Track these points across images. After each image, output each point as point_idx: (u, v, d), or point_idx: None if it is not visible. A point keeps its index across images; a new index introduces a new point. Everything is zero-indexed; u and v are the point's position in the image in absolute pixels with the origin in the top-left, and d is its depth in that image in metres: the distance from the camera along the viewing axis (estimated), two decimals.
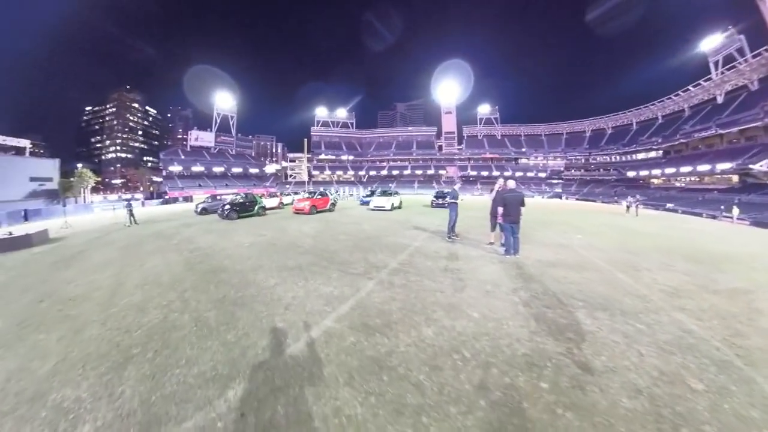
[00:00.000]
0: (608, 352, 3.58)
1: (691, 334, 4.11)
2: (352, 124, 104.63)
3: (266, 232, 12.83)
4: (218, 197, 28.25)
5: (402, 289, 5.75)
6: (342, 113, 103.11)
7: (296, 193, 41.72)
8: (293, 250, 9.04)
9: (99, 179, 74.91)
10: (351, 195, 53.18)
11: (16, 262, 9.21)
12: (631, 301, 5.19)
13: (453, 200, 10.74)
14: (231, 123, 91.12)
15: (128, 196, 61.81)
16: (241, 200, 19.88)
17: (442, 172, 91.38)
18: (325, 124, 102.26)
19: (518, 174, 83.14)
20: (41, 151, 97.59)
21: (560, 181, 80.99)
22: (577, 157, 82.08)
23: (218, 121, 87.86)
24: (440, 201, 24.73)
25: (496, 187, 9.69)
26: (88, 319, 4.74)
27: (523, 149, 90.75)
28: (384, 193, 26.73)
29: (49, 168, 54.51)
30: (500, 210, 8.37)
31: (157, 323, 4.51)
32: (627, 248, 10.14)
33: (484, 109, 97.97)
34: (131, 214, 18.80)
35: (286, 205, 28.11)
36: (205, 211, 23.12)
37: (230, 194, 34.21)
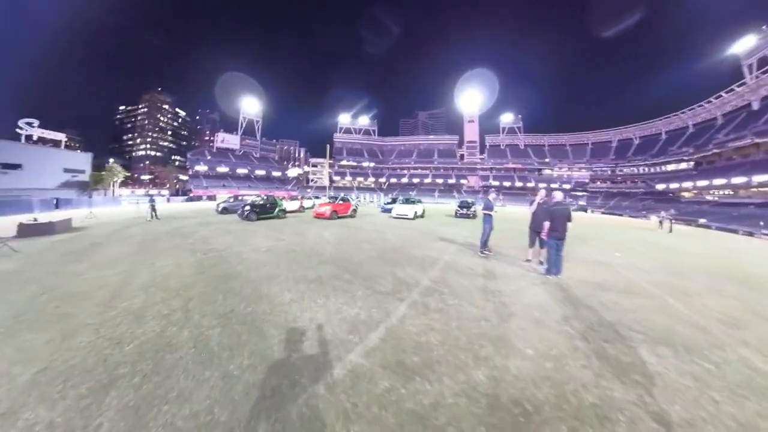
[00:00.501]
0: (681, 400, 3.08)
1: (760, 373, 3.63)
2: (374, 131, 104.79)
3: (285, 236, 12.19)
4: (240, 198, 28.06)
5: (440, 315, 4.87)
6: (364, 120, 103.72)
7: (317, 197, 41.58)
8: (313, 259, 8.27)
9: (128, 174, 78.43)
10: (371, 201, 52.66)
11: (33, 250, 9.19)
12: (691, 334, 4.57)
13: (487, 211, 9.76)
14: (256, 127, 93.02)
15: (154, 191, 64.20)
16: (262, 202, 19.40)
17: (463, 181, 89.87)
18: (348, 131, 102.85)
19: (542, 185, 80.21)
20: (77, 145, 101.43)
21: (585, 193, 77.53)
22: (603, 169, 79.24)
23: (244, 124, 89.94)
24: (464, 211, 23.76)
25: (538, 198, 8.79)
26: (83, 321, 4.29)
27: (547, 159, 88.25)
28: (407, 201, 25.64)
29: (82, 161, 57.47)
30: (546, 225, 7.50)
31: (153, 337, 3.89)
32: (669, 269, 9.17)
33: (507, 118, 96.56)
34: (153, 210, 19.11)
35: (307, 209, 27.67)
36: (225, 211, 23.02)
37: (253, 195, 34.15)
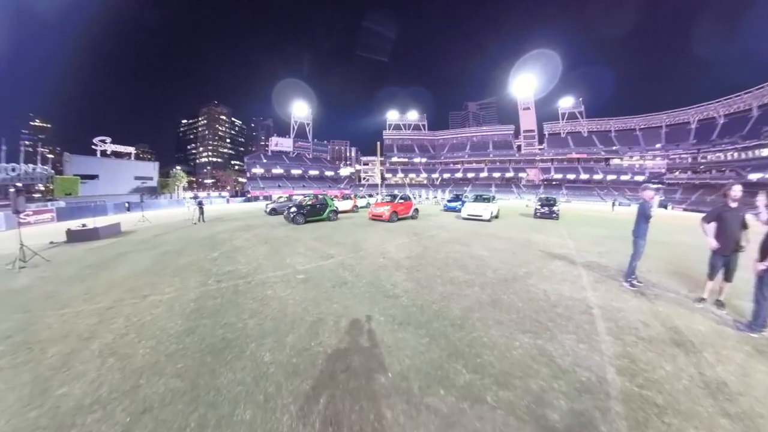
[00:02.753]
0: None
1: None
2: (424, 125, 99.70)
3: (334, 249, 9.03)
4: (293, 197, 26.29)
5: None
6: (413, 115, 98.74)
7: (370, 195, 38.59)
8: (380, 305, 4.85)
9: (192, 179, 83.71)
10: (427, 198, 48.41)
11: (62, 259, 8.59)
12: None
13: (643, 217, 5.98)
14: (307, 129, 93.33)
15: (203, 194, 66.81)
16: (310, 203, 16.70)
17: (522, 175, 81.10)
18: (397, 127, 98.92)
19: (610, 177, 70.97)
20: (148, 156, 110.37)
21: (661, 185, 64.26)
22: (682, 156, 65.47)
23: (295, 128, 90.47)
24: (546, 210, 19.40)
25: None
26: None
27: (615, 147, 75.86)
28: (479, 199, 20.73)
29: (150, 169, 63.47)
30: (712, 240, 4.91)
31: None
32: None
33: (567, 103, 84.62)
34: (201, 212, 18.63)
35: (361, 208, 24.88)
36: (274, 212, 21.50)
37: (308, 195, 32.30)
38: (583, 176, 74.06)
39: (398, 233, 12.13)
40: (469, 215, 17.12)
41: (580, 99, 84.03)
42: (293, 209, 15.66)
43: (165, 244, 10.75)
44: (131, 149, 62.22)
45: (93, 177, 52.19)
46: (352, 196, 28.26)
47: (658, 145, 71.03)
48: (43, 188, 54.29)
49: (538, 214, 19.81)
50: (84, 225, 12.57)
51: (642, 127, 77.56)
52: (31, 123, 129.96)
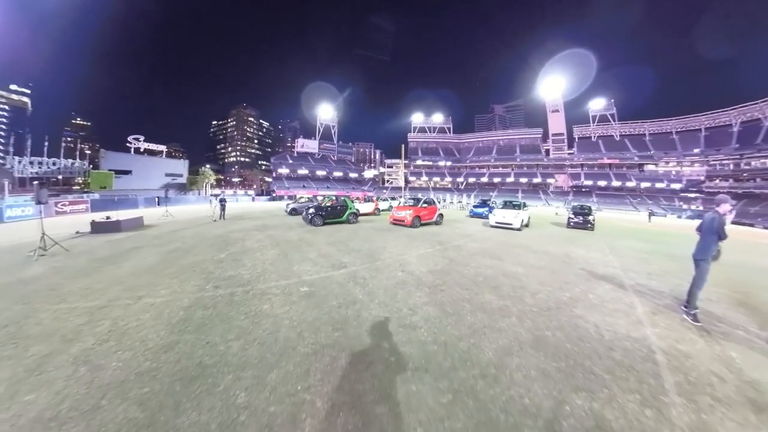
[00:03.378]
0: None
1: None
2: (449, 128, 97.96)
3: (349, 257, 8.23)
4: (316, 198, 26.09)
5: None
6: (438, 118, 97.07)
7: (393, 198, 37.84)
8: (393, 334, 4.01)
9: (219, 177, 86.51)
10: (451, 203, 46.58)
11: (80, 250, 8.88)
12: None
13: (715, 235, 4.86)
14: (333, 132, 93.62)
15: (230, 192, 68.90)
16: (329, 204, 16.13)
17: (550, 180, 77.73)
18: (422, 130, 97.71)
19: (644, 185, 67.04)
20: (180, 155, 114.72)
21: (700, 195, 59.80)
22: (723, 162, 60.24)
23: (321, 130, 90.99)
24: (580, 220, 17.94)
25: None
26: None
27: (650, 152, 70.94)
28: (508, 205, 18.90)
29: (180, 166, 67.49)
30: None
31: None
32: None
33: (598, 105, 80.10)
34: (222, 210, 18.64)
35: (383, 211, 24.02)
36: (294, 212, 21.20)
37: (332, 195, 32.13)
38: (615, 183, 70.11)
39: (421, 241, 11.16)
40: (497, 223, 15.92)
41: (612, 101, 79.09)
42: (311, 210, 15.11)
43: (178, 240, 10.62)
44: (163, 147, 66.06)
45: (126, 172, 55.88)
46: (374, 198, 27.53)
47: (696, 150, 65.85)
48: (81, 181, 57.44)
49: (572, 223, 18.36)
50: (108, 217, 12.94)
51: (679, 130, 72.21)
52: (72, 121, 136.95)
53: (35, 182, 9.66)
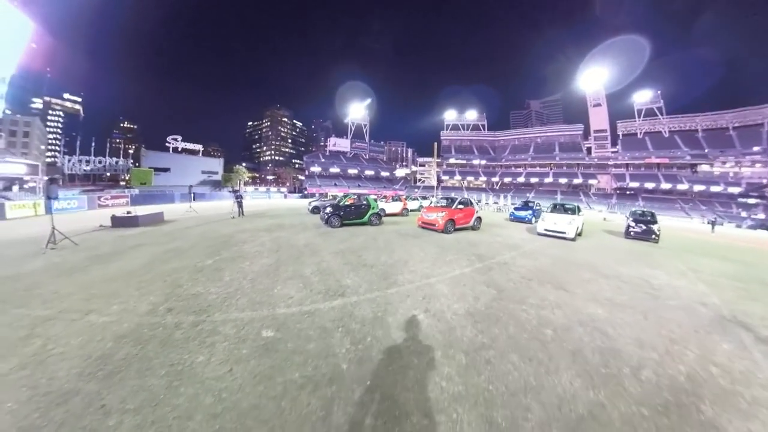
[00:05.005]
0: None
1: None
2: (483, 125, 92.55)
3: (354, 277, 6.06)
4: (332, 197, 24.61)
5: None
6: (472, 115, 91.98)
7: (424, 198, 35.32)
8: None
9: (254, 175, 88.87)
10: (487, 203, 42.58)
11: (87, 245, 8.67)
12: None
13: None
14: (364, 130, 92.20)
15: (263, 189, 70.25)
16: (348, 202, 14.06)
17: (592, 181, 70.74)
18: (455, 127, 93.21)
19: (697, 188, 58.95)
20: (218, 154, 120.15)
21: (761, 200, 51.81)
22: None
23: (353, 129, 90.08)
24: (642, 229, 14.69)
25: None
26: None
27: (703, 150, 62.10)
28: (559, 209, 15.65)
29: (215, 164, 69.40)
30: None
31: None
32: None
33: (643, 97, 71.43)
34: (240, 206, 17.84)
35: (411, 211, 21.37)
36: (316, 210, 19.51)
37: (366, 194, 30.42)
38: (664, 185, 62.43)
39: (455, 253, 8.65)
40: (546, 231, 13.03)
41: (659, 92, 70.12)
42: (328, 209, 13.16)
43: (182, 239, 9.93)
44: (199, 147, 68.89)
45: (165, 170, 58.06)
46: (402, 197, 25.08)
47: (757, 148, 56.62)
48: (126, 178, 60.09)
49: (632, 233, 15.00)
50: (129, 212, 12.88)
51: (737, 125, 62.62)
52: (121, 125, 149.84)
53: (46, 178, 10.28)
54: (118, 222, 12.19)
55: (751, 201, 53.38)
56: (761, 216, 48.01)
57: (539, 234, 13.27)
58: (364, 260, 7.40)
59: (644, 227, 14.75)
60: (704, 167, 63.09)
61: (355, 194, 15.62)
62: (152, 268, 6.45)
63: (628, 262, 8.97)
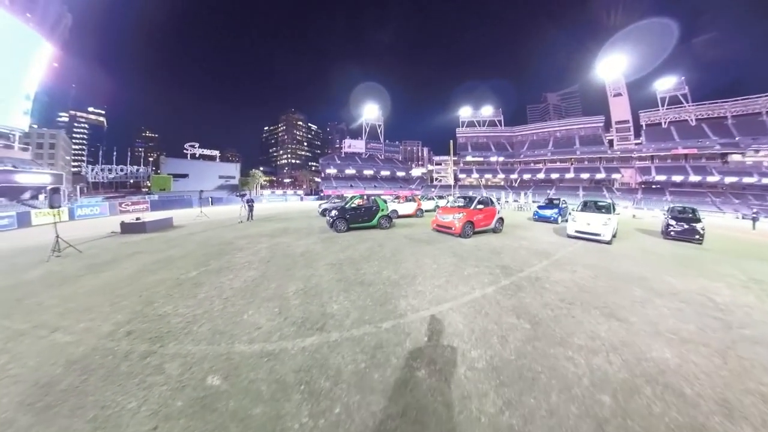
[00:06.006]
0: None
1: None
2: (499, 121, 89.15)
3: (344, 301, 4.88)
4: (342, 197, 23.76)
5: None
6: (488, 110, 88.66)
7: (440, 197, 33.65)
8: None
9: (272, 178, 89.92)
10: (507, 201, 39.62)
11: (90, 253, 8.60)
12: None
13: None
14: (379, 131, 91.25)
15: (280, 192, 70.47)
16: (356, 205, 12.83)
17: (615, 176, 66.15)
18: (471, 124, 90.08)
19: (729, 180, 53.99)
20: (236, 159, 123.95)
21: None
22: None
23: (367, 130, 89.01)
24: (683, 228, 12.86)
25: None
26: None
27: (734, 138, 56.51)
28: (591, 206, 13.33)
29: (232, 169, 71.02)
30: None
31: None
32: None
33: (666, 84, 65.84)
34: (250, 210, 17.25)
35: (427, 212, 20.16)
36: (326, 212, 18.17)
37: (381, 195, 29.28)
38: (693, 178, 57.34)
39: (474, 265, 7.17)
40: (578, 232, 11.39)
41: (683, 78, 64.67)
42: (333, 212, 12.02)
43: (181, 246, 9.51)
44: (216, 152, 70.67)
45: (184, 176, 60.04)
46: (416, 197, 23.57)
47: None
48: (149, 184, 61.37)
49: (672, 233, 13.12)
50: (138, 218, 12.87)
51: None
52: (143, 134, 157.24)
53: (48, 187, 10.30)
54: (126, 228, 12.09)
55: None
56: None
57: (569, 236, 11.65)
58: (363, 275, 6.16)
59: (686, 226, 12.88)
60: (736, 157, 57.47)
61: (365, 195, 14.35)
62: (136, 279, 6.04)
63: (679, 272, 7.40)
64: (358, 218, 12.35)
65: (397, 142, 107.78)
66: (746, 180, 53.48)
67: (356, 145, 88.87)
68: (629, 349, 3.60)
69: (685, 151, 61.82)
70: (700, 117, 65.02)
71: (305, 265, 6.76)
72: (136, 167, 59.75)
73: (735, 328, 4.34)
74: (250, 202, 17.33)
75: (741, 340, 3.97)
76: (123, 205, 24.00)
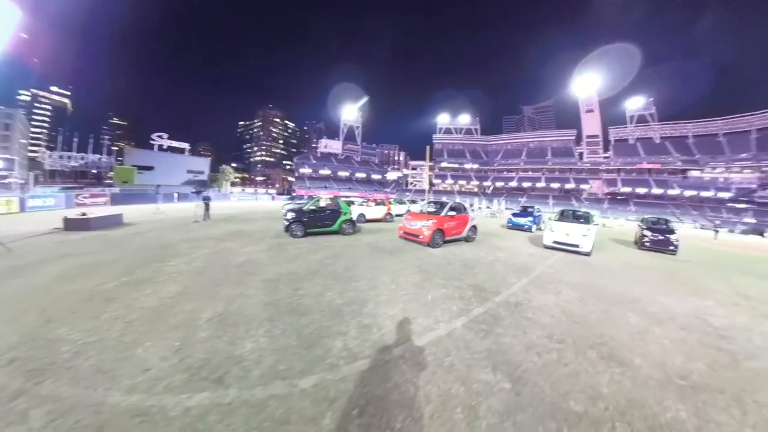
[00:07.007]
0: None
1: None
2: (476, 129, 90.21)
3: (275, 332, 3.66)
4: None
5: None
6: (465, 119, 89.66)
7: (413, 201, 32.40)
8: None
9: (242, 176, 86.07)
10: (480, 208, 38.39)
11: (18, 252, 7.32)
12: None
13: None
14: (356, 133, 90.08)
15: (251, 191, 67.30)
16: (314, 207, 11.31)
17: (584, 186, 68.85)
18: (448, 131, 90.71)
19: (688, 193, 58.34)
20: (208, 153, 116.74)
21: (751, 205, 50.97)
22: None
23: (345, 131, 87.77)
24: (659, 239, 12.58)
25: None
26: None
27: (694, 156, 61.71)
28: (568, 216, 12.51)
29: (202, 164, 66.23)
30: None
31: None
32: None
33: (635, 104, 70.94)
34: (206, 209, 15.42)
35: (398, 216, 18.83)
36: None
37: (354, 197, 27.70)
38: (656, 190, 61.41)
39: (441, 285, 5.88)
40: (556, 243, 10.52)
41: (651, 99, 69.80)
42: (289, 215, 10.55)
43: (116, 248, 8.14)
44: (186, 145, 65.73)
45: (149, 168, 54.69)
46: (386, 201, 22.18)
47: (745, 154, 56.58)
48: (111, 176, 57.11)
49: (647, 243, 12.73)
50: (84, 214, 11.56)
51: (727, 131, 62.69)
52: (110, 120, 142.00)
53: None
54: (70, 225, 10.90)
55: (739, 206, 52.94)
56: (752, 221, 47.55)
57: (546, 247, 10.84)
58: (299, 298, 4.80)
59: (661, 237, 12.64)
60: (695, 173, 62.61)
61: (330, 197, 12.84)
62: (48, 289, 5.01)
63: (669, 290, 6.69)
64: (317, 222, 10.92)
65: (374, 145, 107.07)
66: (704, 194, 58.05)
67: (333, 146, 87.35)
68: (639, 413, 2.60)
69: (649, 166, 66.14)
70: (664, 135, 70.06)
71: (237, 281, 5.42)
72: (98, 156, 55.11)
73: (741, 360, 3.77)
74: (206, 200, 15.47)
75: (753, 378, 3.40)
76: (81, 198, 21.75)
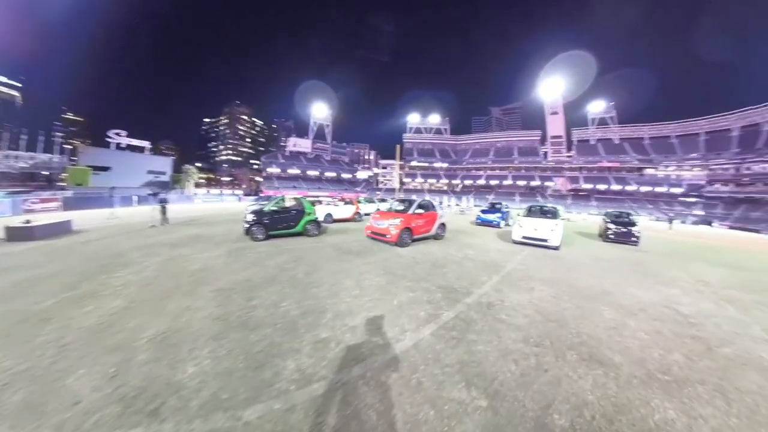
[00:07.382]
0: None
1: None
2: (446, 129, 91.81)
3: (221, 352, 3.23)
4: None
5: None
6: (435, 119, 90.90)
7: (382, 200, 31.91)
8: None
9: (207, 176, 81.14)
10: (449, 206, 39.19)
11: None
12: None
13: None
14: (326, 131, 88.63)
15: (216, 191, 63.67)
16: (276, 208, 10.65)
17: (548, 183, 72.25)
18: (418, 131, 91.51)
19: (644, 189, 62.54)
20: (172, 152, 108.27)
21: (700, 199, 55.80)
22: (724, 167, 56.38)
23: (314, 129, 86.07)
24: (622, 231, 12.99)
25: None
26: None
27: (649, 156, 67.05)
28: (536, 212, 12.75)
29: (164, 164, 61.51)
30: None
31: None
32: None
33: (597, 108, 75.59)
34: (163, 213, 14.25)
35: (367, 215, 18.04)
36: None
37: (324, 197, 26.71)
38: (615, 187, 65.35)
39: (408, 287, 5.49)
40: (525, 238, 10.48)
41: (612, 103, 74.98)
42: (251, 216, 9.84)
43: (60, 260, 7.24)
44: (146, 143, 60.26)
45: (105, 169, 49.33)
46: (355, 200, 21.57)
47: (696, 155, 61.74)
48: (64, 177, 52.48)
49: (611, 236, 13.14)
50: (28, 221, 10.57)
51: (679, 134, 68.10)
52: (63, 116, 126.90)
53: None
54: (13, 234, 9.90)
55: (690, 200, 57.59)
56: (701, 213, 52.16)
57: (515, 242, 10.82)
58: (252, 310, 4.28)
59: (623, 230, 13.05)
60: (650, 171, 67.10)
61: (294, 198, 12.09)
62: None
63: (637, 281, 6.78)
64: (279, 223, 10.29)
65: (344, 144, 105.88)
66: (658, 189, 62.39)
67: (302, 144, 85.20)
68: (627, 418, 2.42)
69: (609, 165, 70.17)
70: (623, 137, 74.82)
71: (188, 292, 4.83)
72: (49, 156, 49.94)
73: (715, 348, 3.87)
74: (163, 203, 14.24)
75: (730, 365, 3.46)
76: (29, 203, 19.83)
